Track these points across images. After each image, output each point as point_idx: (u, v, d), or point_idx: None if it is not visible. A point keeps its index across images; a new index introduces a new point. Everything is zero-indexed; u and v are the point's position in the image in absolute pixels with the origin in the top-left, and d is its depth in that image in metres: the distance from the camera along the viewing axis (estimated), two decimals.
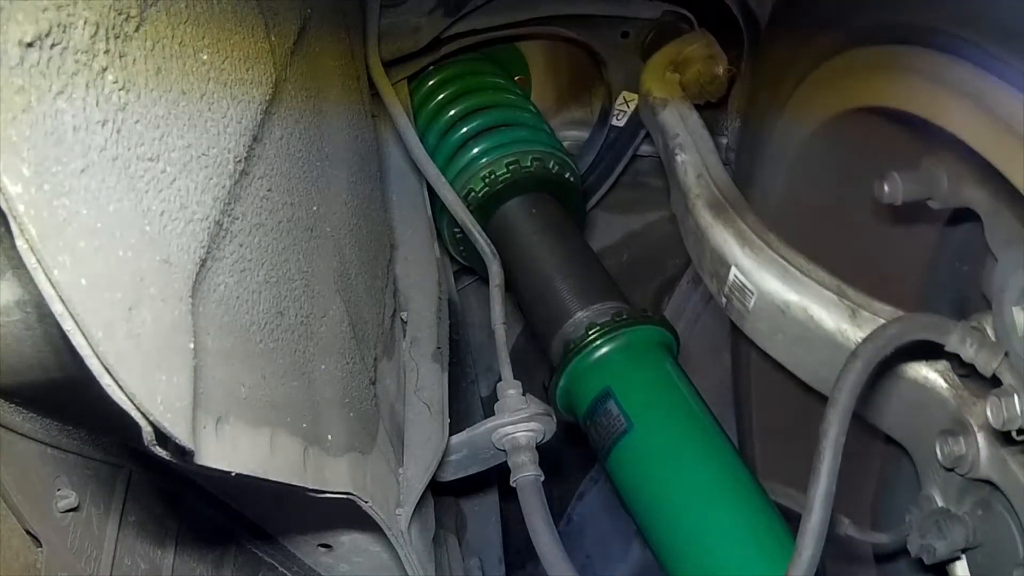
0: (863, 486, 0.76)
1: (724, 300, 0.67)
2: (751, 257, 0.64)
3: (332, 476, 0.48)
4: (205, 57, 0.37)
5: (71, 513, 0.47)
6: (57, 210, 0.26)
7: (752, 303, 0.63)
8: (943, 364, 0.58)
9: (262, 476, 0.40)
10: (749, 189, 0.74)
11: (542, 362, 0.86)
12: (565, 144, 0.99)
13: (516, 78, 1.03)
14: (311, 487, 0.46)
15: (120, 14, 0.30)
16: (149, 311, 0.30)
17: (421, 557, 0.60)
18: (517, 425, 0.67)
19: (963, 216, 0.62)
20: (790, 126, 0.72)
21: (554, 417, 0.69)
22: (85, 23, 0.28)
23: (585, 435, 0.78)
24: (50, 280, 0.26)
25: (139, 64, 0.31)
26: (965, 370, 0.55)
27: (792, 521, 0.63)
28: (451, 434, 0.66)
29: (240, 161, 0.41)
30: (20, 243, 0.25)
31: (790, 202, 0.76)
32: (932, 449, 0.57)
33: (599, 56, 1.00)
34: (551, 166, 0.91)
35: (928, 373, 0.58)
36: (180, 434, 0.30)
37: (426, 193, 0.88)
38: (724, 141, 0.98)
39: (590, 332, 0.77)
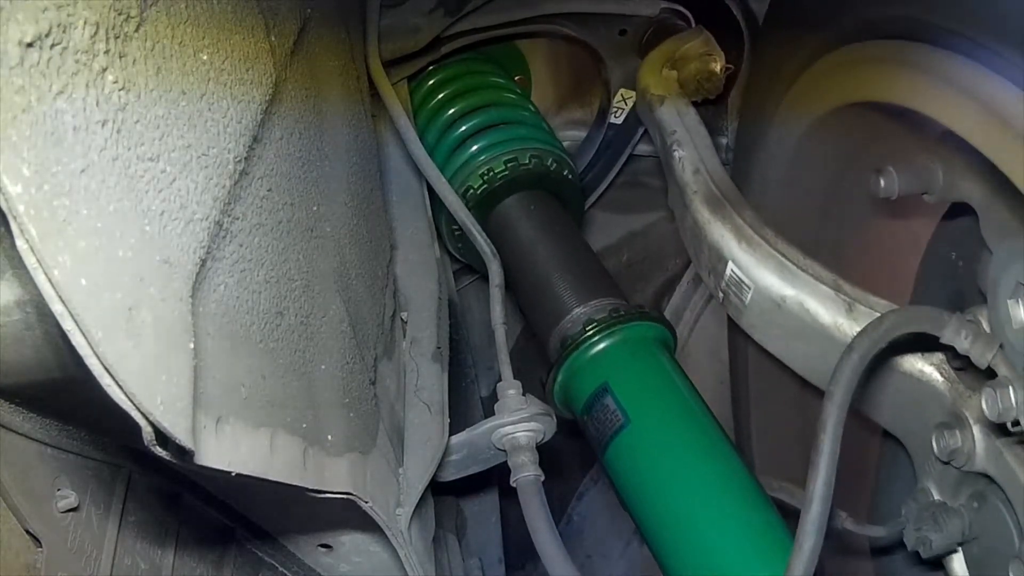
0: (860, 480, 0.76)
1: (721, 295, 0.67)
2: (748, 252, 0.64)
3: (332, 476, 0.48)
4: (205, 57, 0.37)
5: (71, 513, 0.47)
6: (57, 210, 0.26)
7: (749, 298, 0.64)
8: (938, 357, 0.58)
9: (262, 476, 0.40)
10: (746, 185, 0.74)
11: (542, 362, 0.86)
12: (565, 144, 0.99)
13: (516, 78, 1.03)
14: (311, 487, 0.46)
15: (120, 14, 0.30)
16: (149, 311, 0.30)
17: (421, 557, 0.60)
18: (517, 425, 0.67)
19: (959, 210, 0.62)
20: (786, 122, 0.72)
21: (554, 417, 0.69)
22: (85, 23, 0.28)
23: (583, 432, 0.78)
24: (50, 280, 0.26)
25: (139, 64, 0.31)
26: (960, 363, 0.56)
27: (788, 515, 0.63)
28: (451, 434, 0.66)
29: (240, 161, 0.41)
30: (20, 243, 0.25)
31: (787, 197, 0.76)
32: (928, 442, 0.57)
33: (597, 54, 1.00)
34: (549, 163, 0.91)
35: (924, 366, 0.58)
36: (180, 434, 0.30)
37: (426, 193, 0.88)
38: (724, 141, 0.98)
39: (587, 328, 0.78)
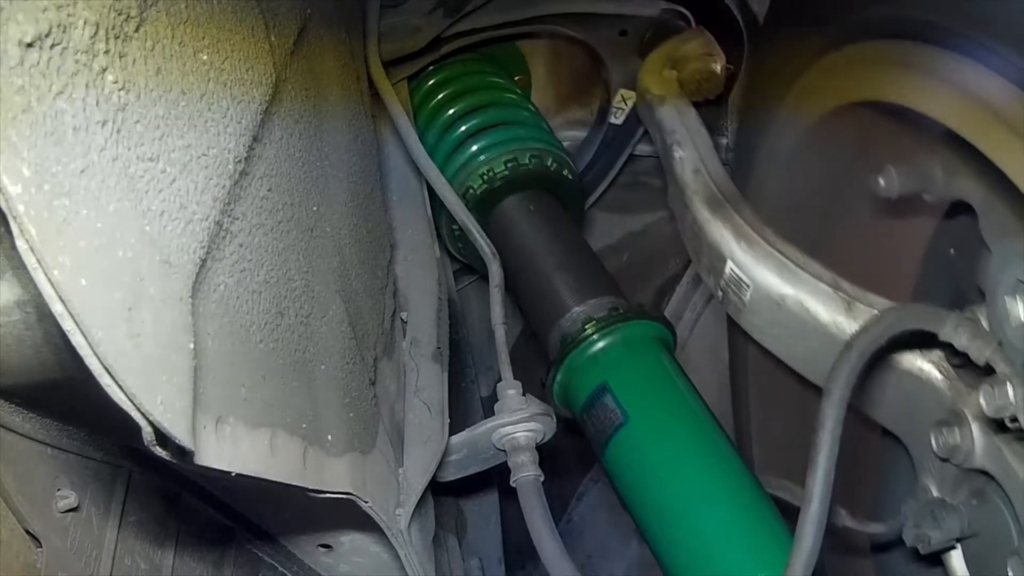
0: (859, 477, 0.76)
1: (721, 294, 0.68)
2: (747, 251, 0.64)
3: (332, 476, 0.49)
4: (205, 57, 0.37)
5: (71, 513, 0.47)
6: (57, 210, 0.26)
7: (748, 297, 0.64)
8: (937, 354, 0.58)
9: (262, 476, 0.40)
10: (746, 184, 0.74)
11: (542, 362, 0.86)
12: (565, 144, 0.99)
13: (516, 78, 1.04)
14: (311, 487, 0.46)
15: (120, 14, 0.30)
16: (149, 311, 0.30)
17: (421, 557, 0.60)
18: (517, 425, 0.67)
19: (958, 209, 0.62)
20: (786, 122, 0.73)
21: (554, 417, 0.69)
22: (85, 23, 0.28)
23: (583, 430, 0.78)
24: (50, 280, 0.26)
25: (139, 64, 0.32)
26: (959, 360, 0.56)
27: (788, 513, 0.63)
28: (451, 434, 0.66)
29: (240, 161, 0.41)
30: (20, 243, 0.25)
31: (787, 197, 0.76)
32: (927, 439, 0.57)
33: (597, 55, 1.00)
34: (549, 163, 0.91)
35: (923, 364, 0.58)
36: (180, 434, 0.30)
37: (426, 193, 0.88)
38: (724, 141, 0.98)
39: (587, 327, 0.78)
